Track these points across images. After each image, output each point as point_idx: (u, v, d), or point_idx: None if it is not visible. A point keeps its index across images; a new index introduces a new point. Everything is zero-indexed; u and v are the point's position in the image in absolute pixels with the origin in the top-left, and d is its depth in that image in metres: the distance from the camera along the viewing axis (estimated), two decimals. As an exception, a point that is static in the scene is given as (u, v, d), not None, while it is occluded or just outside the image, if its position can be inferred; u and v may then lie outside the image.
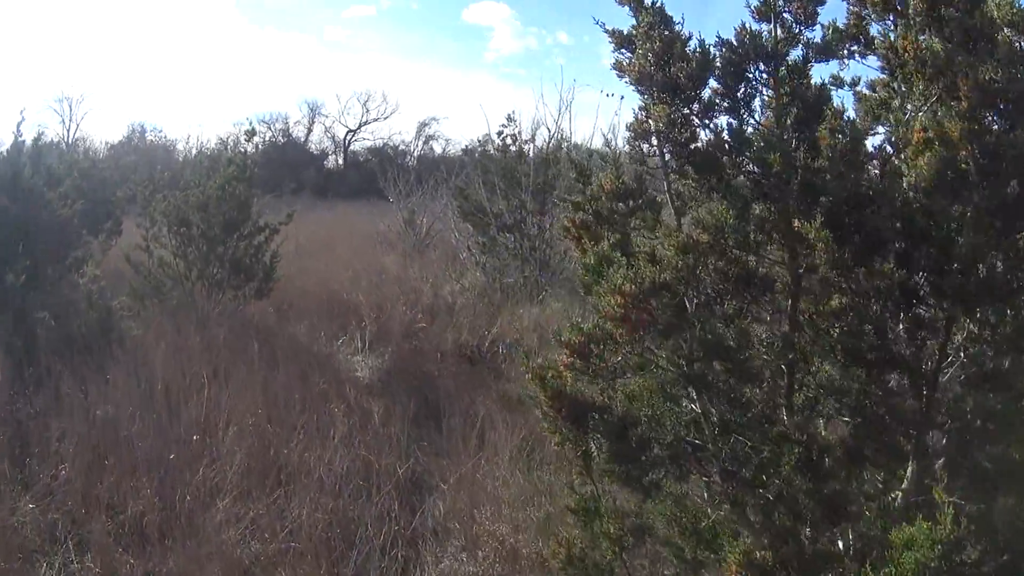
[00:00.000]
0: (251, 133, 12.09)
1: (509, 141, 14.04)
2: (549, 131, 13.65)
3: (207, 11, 77.75)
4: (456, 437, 7.29)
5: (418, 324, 11.32)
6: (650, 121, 3.19)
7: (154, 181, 13.10)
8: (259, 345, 9.38)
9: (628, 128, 3.31)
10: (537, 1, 78.57)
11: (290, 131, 52.15)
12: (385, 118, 54.45)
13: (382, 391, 8.99)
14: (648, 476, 3.10)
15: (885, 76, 3.39)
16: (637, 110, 3.25)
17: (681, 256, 2.84)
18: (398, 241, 20.60)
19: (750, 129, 3.03)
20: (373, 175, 26.81)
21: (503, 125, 14.04)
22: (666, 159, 3.21)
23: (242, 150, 12.44)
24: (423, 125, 52.97)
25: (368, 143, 53.83)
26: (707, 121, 3.06)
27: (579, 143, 13.93)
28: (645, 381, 3.21)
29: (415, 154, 50.48)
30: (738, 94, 3.05)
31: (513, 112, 13.97)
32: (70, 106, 48.03)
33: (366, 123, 53.61)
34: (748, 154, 2.88)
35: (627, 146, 3.39)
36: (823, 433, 3.02)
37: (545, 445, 7.26)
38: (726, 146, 2.99)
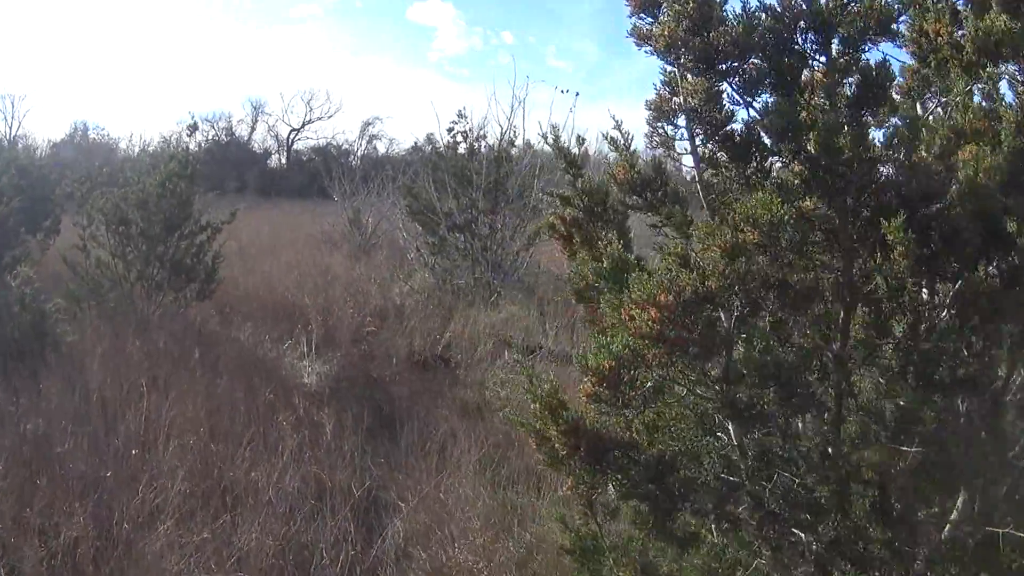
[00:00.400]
0: (193, 127, 11.68)
1: (460, 138, 13.46)
2: (501, 128, 13.10)
3: (153, 8, 75.80)
4: (414, 450, 6.83)
5: (367, 328, 10.70)
6: (675, 98, 2.64)
7: (92, 178, 12.25)
8: (201, 350, 8.76)
9: (646, 106, 2.75)
10: (482, 1, 78.20)
11: (233, 130, 51.09)
12: (329, 117, 53.72)
13: (332, 399, 8.41)
14: (685, 525, 2.54)
15: (914, 63, 2.89)
16: (660, 85, 2.71)
17: (729, 260, 2.27)
18: (343, 241, 19.96)
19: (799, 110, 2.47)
20: (317, 174, 26.21)
21: (454, 122, 13.49)
22: (696, 143, 2.66)
23: (184, 145, 11.62)
24: (367, 124, 52.26)
25: (312, 142, 52.87)
26: (750, 98, 2.51)
27: (531, 141, 13.38)
28: (674, 410, 2.65)
29: (359, 153, 49.81)
30: (784, 68, 2.50)
31: (464, 108, 13.36)
32: (12, 104, 46.50)
33: (309, 122, 52.66)
34: (806, 138, 2.32)
35: (648, 127, 2.81)
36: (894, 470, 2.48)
37: (511, 459, 6.81)
38: (774, 129, 2.43)
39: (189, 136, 11.76)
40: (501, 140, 13.15)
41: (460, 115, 13.40)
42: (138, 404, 6.93)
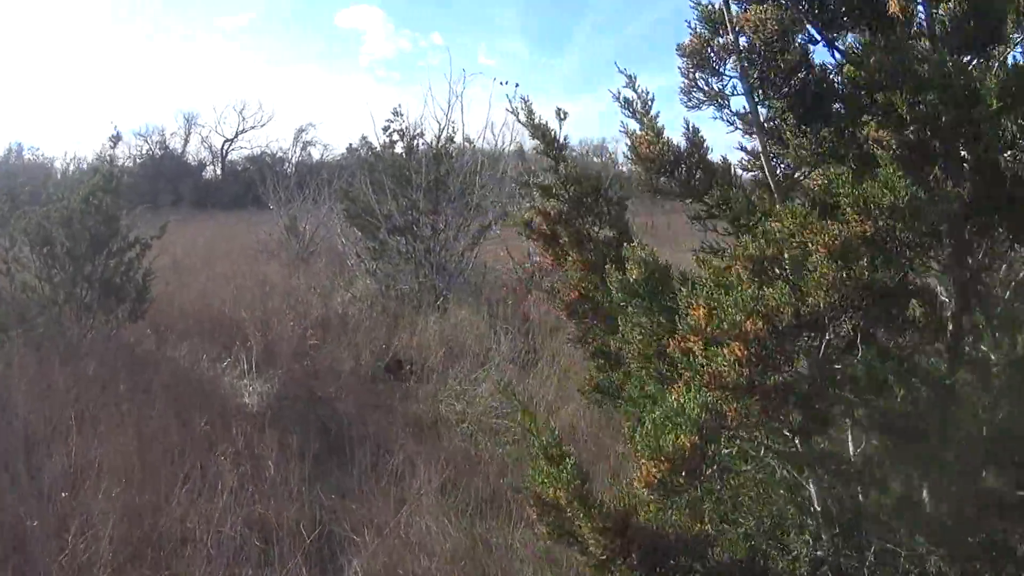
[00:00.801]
0: (116, 139, 10.34)
1: (396, 137, 12.60)
2: (439, 125, 12.27)
3: (81, 28, 73.62)
4: (368, 478, 6.14)
5: (310, 341, 9.85)
6: (720, 38, 1.86)
7: (13, 196, 11.16)
8: (134, 376, 8.08)
9: (679, 52, 1.97)
10: (410, 3, 77.45)
11: (167, 143, 49.79)
12: (261, 126, 52.88)
13: (274, 421, 7.61)
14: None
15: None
16: (695, 22, 1.93)
17: (843, 265, 1.48)
18: (280, 250, 19.08)
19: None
20: (252, 184, 25.28)
21: (389, 120, 12.62)
22: (756, 100, 1.88)
23: (107, 157, 10.59)
24: (300, 131, 51.73)
25: (245, 152, 51.91)
26: (835, 34, 1.74)
27: (471, 136, 12.58)
28: (757, 488, 1.87)
29: (293, 161, 49.00)
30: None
31: (399, 106, 12.50)
32: (-54, 126, 44.82)
33: (242, 131, 51.65)
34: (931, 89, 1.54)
35: (683, 80, 2.02)
36: None
37: (475, 483, 6.09)
38: (878, 75, 1.64)
39: (113, 148, 10.81)
40: (439, 137, 12.34)
41: (396, 113, 12.58)
42: (66, 440, 6.19)
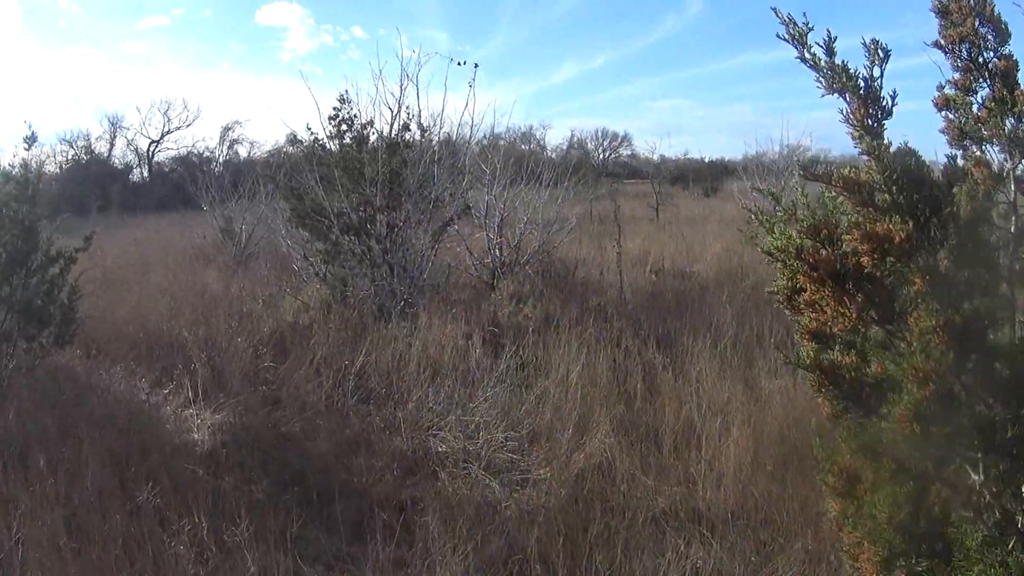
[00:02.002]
0: (31, 140, 8.55)
1: (345, 126, 10.98)
2: (392, 111, 10.70)
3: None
4: (354, 539, 5.08)
5: (263, 362, 8.31)
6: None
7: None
8: (61, 419, 6.73)
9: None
10: (329, -2, 75.84)
11: (92, 147, 47.36)
12: (188, 126, 50.35)
13: (233, 467, 6.22)
14: None
15: None
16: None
17: None
18: (217, 254, 17.33)
19: None
20: (181, 185, 23.39)
21: (336, 108, 10.96)
22: None
23: (20, 161, 8.77)
24: (226, 130, 49.82)
25: (172, 153, 49.61)
26: None
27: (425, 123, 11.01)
28: None
29: (221, 160, 46.82)
30: None
31: (347, 92, 10.86)
32: None
33: (168, 132, 49.58)
34: None
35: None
36: None
37: (490, 540, 4.73)
38: None
39: (28, 150, 9.24)
40: (392, 125, 10.79)
41: (343, 100, 10.93)
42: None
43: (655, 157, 53.46)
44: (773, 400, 6.72)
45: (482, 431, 6.51)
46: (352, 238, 10.68)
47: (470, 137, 11.44)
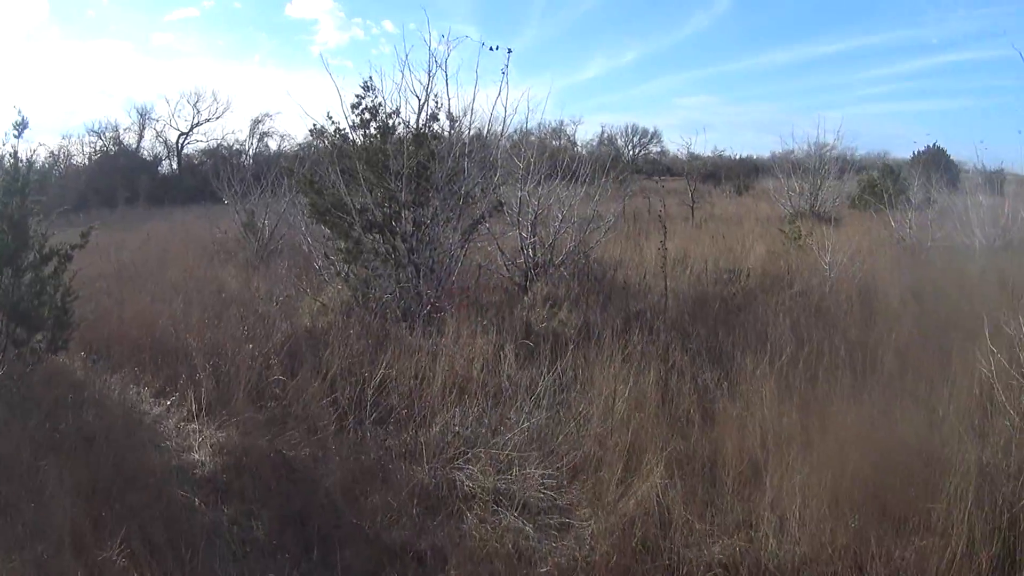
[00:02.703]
0: (21, 126, 7.68)
1: (368, 115, 10.06)
2: (419, 100, 9.78)
3: (25, 28, 69.77)
4: None
5: (272, 375, 7.42)
6: None
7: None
8: (51, 429, 6.15)
9: None
10: (359, -11, 75.16)
11: (120, 138, 46.54)
12: (217, 118, 49.22)
13: (230, 493, 5.60)
14: None
15: None
16: None
17: None
18: (238, 249, 16.45)
19: None
20: (209, 178, 22.62)
21: (359, 96, 10.04)
22: None
23: (11, 149, 7.89)
24: (256, 122, 48.72)
25: (202, 145, 48.92)
26: None
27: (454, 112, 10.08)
28: None
29: (251, 152, 46.13)
30: None
31: (371, 79, 9.93)
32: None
33: (198, 124, 48.59)
34: None
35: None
36: None
37: None
38: None
39: (18, 138, 8.46)
40: (420, 114, 9.87)
41: (367, 87, 10.01)
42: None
43: (686, 154, 52.31)
44: (846, 431, 5.75)
45: (515, 465, 5.60)
46: (376, 236, 9.80)
47: (503, 128, 10.47)
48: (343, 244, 10.07)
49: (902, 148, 72.20)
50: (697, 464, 5.72)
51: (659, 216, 10.32)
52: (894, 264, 12.97)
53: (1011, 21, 67.02)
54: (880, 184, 24.18)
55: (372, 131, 10.06)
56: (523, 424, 6.20)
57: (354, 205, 9.54)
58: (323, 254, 10.63)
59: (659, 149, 62.44)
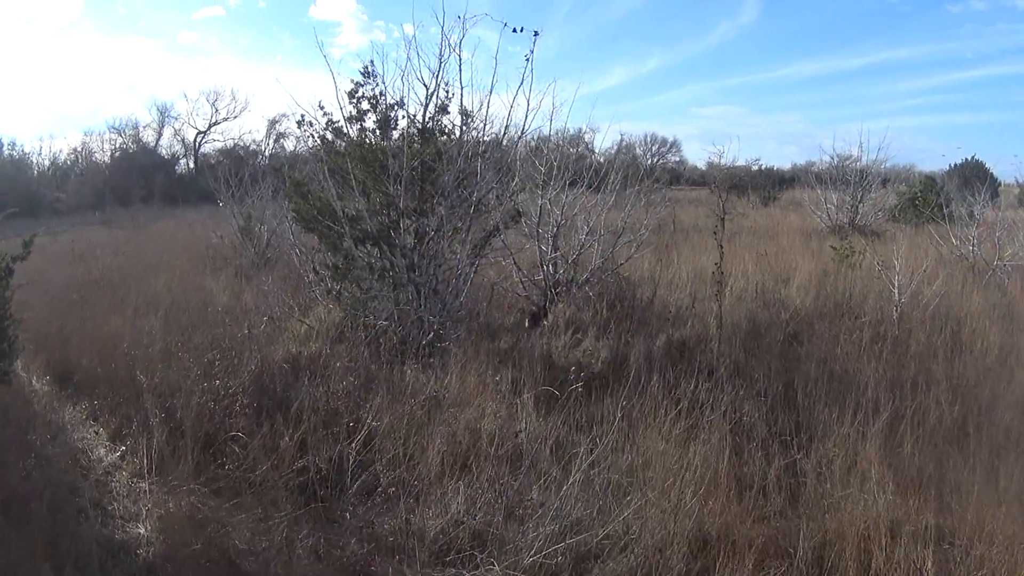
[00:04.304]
0: None
1: (367, 106, 8.26)
2: (427, 89, 7.99)
3: (56, 23, 68.79)
4: None
5: (235, 428, 5.72)
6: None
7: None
8: None
9: None
10: (384, -7, 74.05)
11: (140, 136, 45.54)
12: (235, 117, 48.25)
13: None
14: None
15: None
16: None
17: None
18: (235, 255, 14.71)
19: None
20: (225, 177, 21.24)
21: (358, 83, 8.24)
22: None
23: None
24: (273, 123, 47.52)
25: (219, 144, 47.75)
26: None
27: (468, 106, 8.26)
28: None
29: (267, 153, 44.74)
30: None
31: (371, 64, 8.15)
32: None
33: (216, 123, 47.70)
34: None
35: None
36: None
37: None
38: None
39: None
40: (427, 106, 8.09)
41: (366, 74, 8.21)
42: None
43: (714, 163, 50.43)
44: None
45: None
46: (370, 249, 8.05)
47: (524, 124, 8.60)
48: (332, 260, 8.30)
49: (929, 161, 70.38)
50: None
51: (715, 232, 8.44)
52: (966, 287, 11.10)
53: None
54: (923, 197, 22.38)
55: (370, 125, 8.27)
56: (551, 512, 4.44)
57: (345, 212, 7.79)
58: (312, 267, 8.86)
59: (678, 159, 60.61)
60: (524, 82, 8.26)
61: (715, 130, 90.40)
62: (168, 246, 17.30)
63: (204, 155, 47.09)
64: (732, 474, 5.03)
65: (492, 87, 8.12)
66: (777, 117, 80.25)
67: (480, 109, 8.21)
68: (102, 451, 6.06)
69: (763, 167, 45.43)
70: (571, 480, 4.51)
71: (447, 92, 8.08)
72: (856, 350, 8.01)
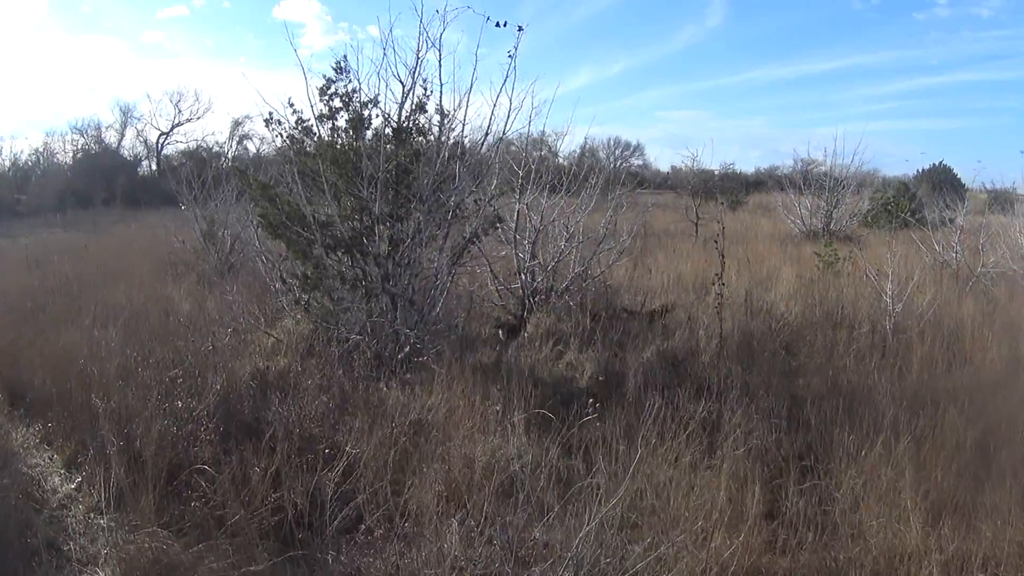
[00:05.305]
0: None
1: (339, 103, 7.64)
2: (404, 86, 7.40)
3: (18, 20, 67.28)
4: None
5: (200, 460, 5.11)
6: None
7: None
8: None
9: None
10: (348, -5, 73.30)
11: (102, 137, 44.66)
12: (198, 118, 47.04)
13: None
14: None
15: None
16: None
17: None
18: (198, 261, 14.01)
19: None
20: (188, 180, 20.55)
21: (329, 78, 7.62)
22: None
23: None
24: (237, 124, 46.65)
25: (182, 146, 46.90)
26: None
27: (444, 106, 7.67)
28: None
29: (230, 155, 43.74)
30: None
31: (344, 59, 7.55)
32: None
33: (179, 124, 46.69)
34: None
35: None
36: None
37: None
38: None
39: None
40: (404, 103, 7.50)
41: (339, 69, 7.60)
42: None
43: (670, 167, 50.05)
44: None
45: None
46: (341, 257, 7.46)
47: (505, 126, 7.99)
48: (301, 267, 7.68)
49: (894, 166, 70.86)
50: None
51: (715, 241, 7.90)
52: (954, 295, 10.71)
53: (1010, 45, 66.45)
54: (896, 203, 22.13)
55: (342, 123, 7.65)
56: (566, 561, 3.88)
57: (315, 217, 7.19)
58: (280, 276, 8.23)
59: (641, 162, 60.32)
60: (508, 79, 7.69)
61: (679, 134, 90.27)
62: (129, 251, 16.55)
63: (166, 157, 46.07)
64: (758, 506, 4.53)
65: (472, 84, 7.56)
66: (741, 121, 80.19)
67: (459, 109, 7.65)
68: (57, 480, 5.54)
69: (732, 171, 45.25)
70: (588, 526, 3.93)
71: (425, 89, 7.51)
72: (856, 363, 7.56)
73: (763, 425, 5.62)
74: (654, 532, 4.19)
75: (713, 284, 8.06)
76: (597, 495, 4.18)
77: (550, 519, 4.28)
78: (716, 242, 7.73)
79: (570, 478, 4.88)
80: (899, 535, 4.24)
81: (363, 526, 4.51)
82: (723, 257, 7.67)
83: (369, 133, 7.67)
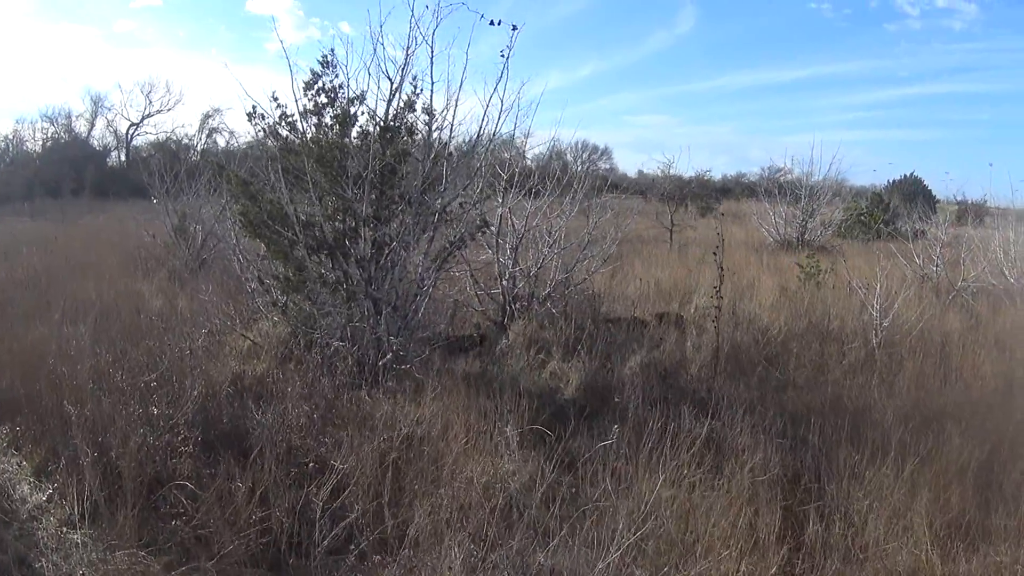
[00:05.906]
0: None
1: (325, 99, 7.32)
2: (392, 83, 7.10)
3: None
4: None
5: (179, 475, 4.79)
6: None
7: None
8: None
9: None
10: (320, -11, 72.79)
11: (72, 126, 43.71)
12: (169, 109, 46.54)
13: None
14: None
15: None
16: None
17: None
18: (169, 257, 13.59)
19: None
20: (158, 172, 20.09)
21: (316, 72, 7.30)
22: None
23: None
24: (207, 117, 46.11)
25: (151, 137, 46.10)
26: None
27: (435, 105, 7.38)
28: None
29: (199, 148, 43.10)
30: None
31: (331, 53, 7.23)
32: None
33: (149, 115, 45.90)
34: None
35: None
36: None
37: None
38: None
39: None
40: (392, 101, 7.20)
41: (325, 64, 7.28)
42: None
43: (636, 172, 50.00)
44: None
45: None
46: (323, 259, 7.16)
47: (496, 126, 7.71)
48: (282, 269, 7.35)
49: (861, 176, 71.49)
50: None
51: (714, 253, 7.69)
52: (937, 309, 10.61)
53: (983, 57, 67.36)
54: (870, 214, 22.11)
55: (328, 120, 7.33)
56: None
57: (298, 217, 6.87)
58: (257, 276, 7.90)
59: (608, 166, 60.36)
60: (502, 78, 7.43)
61: (647, 138, 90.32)
62: (98, 242, 16.14)
63: (136, 148, 45.18)
64: (776, 532, 4.32)
65: (462, 83, 7.27)
66: (710, 127, 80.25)
67: (448, 108, 7.36)
68: (26, 488, 5.16)
69: (707, 177, 45.22)
70: (610, 557, 3.66)
71: (414, 87, 7.22)
72: (847, 378, 7.40)
73: (769, 445, 5.41)
74: (671, 561, 3.96)
75: (713, 296, 7.85)
76: (604, 518, 3.95)
77: (555, 543, 4.03)
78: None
79: (571, 498, 4.64)
80: (916, 559, 4.07)
81: (353, 547, 4.24)
82: (722, 270, 7.47)
83: (354, 130, 7.37)
